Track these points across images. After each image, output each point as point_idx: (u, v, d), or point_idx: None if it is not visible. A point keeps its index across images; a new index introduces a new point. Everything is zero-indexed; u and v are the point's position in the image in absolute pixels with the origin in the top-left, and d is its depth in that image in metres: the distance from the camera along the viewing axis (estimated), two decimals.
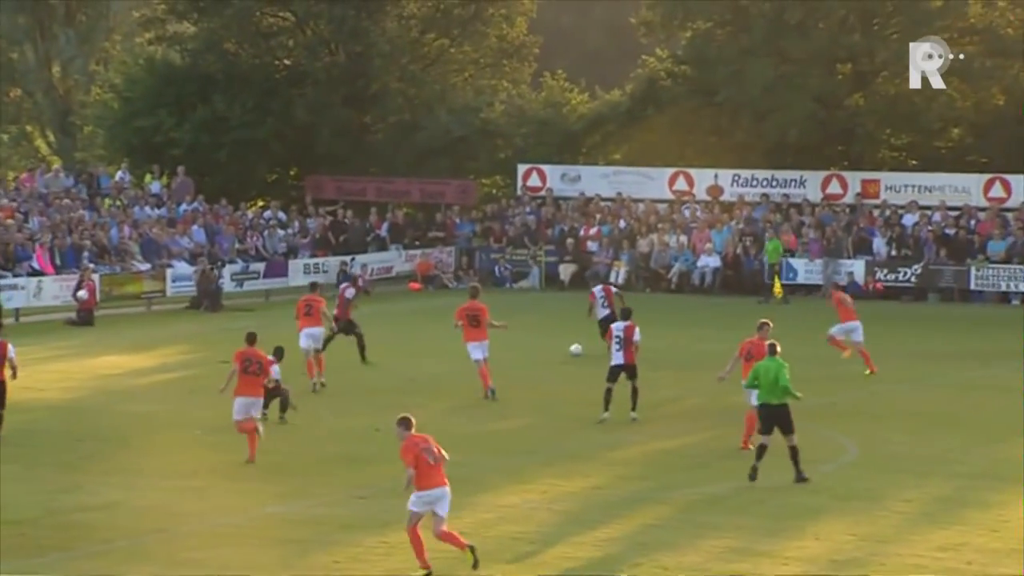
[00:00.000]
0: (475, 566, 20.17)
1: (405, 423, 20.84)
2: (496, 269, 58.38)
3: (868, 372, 35.69)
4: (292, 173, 66.66)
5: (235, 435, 29.25)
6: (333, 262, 56.41)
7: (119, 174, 59.41)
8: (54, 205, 53.87)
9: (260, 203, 63.54)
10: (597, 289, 39.17)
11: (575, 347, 38.80)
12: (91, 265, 49.28)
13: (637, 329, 31.17)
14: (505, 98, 65.90)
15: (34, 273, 48.39)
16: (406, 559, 21.09)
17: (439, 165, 62.78)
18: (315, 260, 56.79)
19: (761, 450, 25.90)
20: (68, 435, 29.31)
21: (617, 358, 30.98)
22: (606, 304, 38.12)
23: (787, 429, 25.75)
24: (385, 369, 37.34)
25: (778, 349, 26.15)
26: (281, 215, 59.31)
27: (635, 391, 31.10)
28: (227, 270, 53.32)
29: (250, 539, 22.08)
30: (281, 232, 57.69)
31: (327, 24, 65.45)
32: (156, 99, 62.99)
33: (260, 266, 55.16)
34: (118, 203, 56.37)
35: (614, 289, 39.40)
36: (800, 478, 25.63)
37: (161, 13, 67.13)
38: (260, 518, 23.33)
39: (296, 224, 58.48)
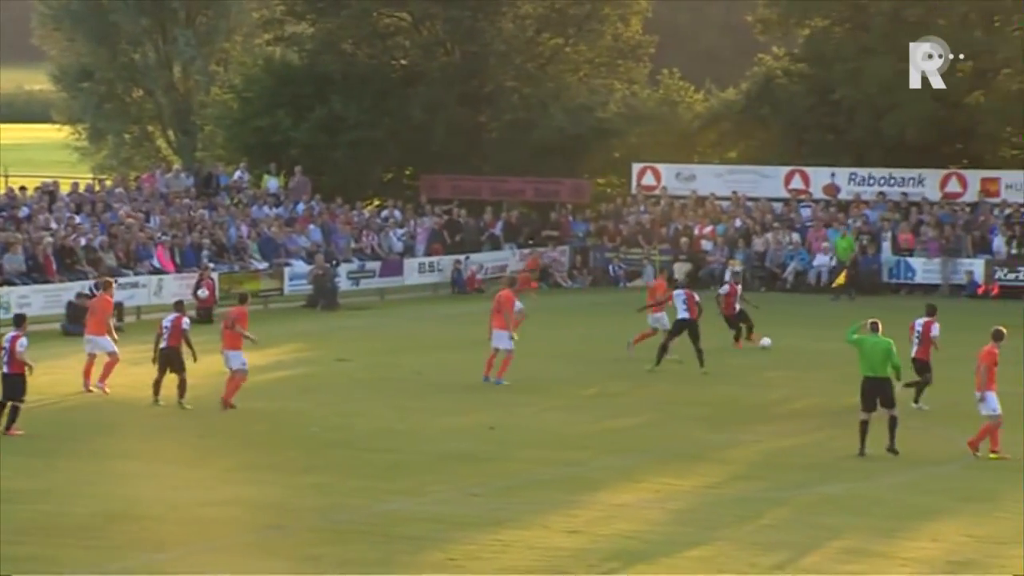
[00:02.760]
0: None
1: (104, 285, 30.03)
2: (610, 268, 58.43)
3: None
4: (407, 172, 67.05)
5: (353, 432, 29.62)
6: (447, 261, 56.71)
7: (237, 173, 60.00)
8: (174, 204, 54.53)
9: (376, 202, 63.96)
10: (678, 293, 37.44)
11: (765, 340, 39.48)
12: (210, 264, 49.84)
13: (937, 325, 31.83)
14: (620, 97, 65.86)
15: (155, 271, 49.07)
16: (522, 556, 21.25)
17: (554, 164, 62.82)
18: (430, 259, 57.10)
19: (864, 427, 27.44)
20: (189, 432, 29.70)
21: (911, 351, 31.72)
22: (686, 308, 36.73)
23: (889, 403, 27.40)
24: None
25: (880, 327, 27.68)
26: (397, 214, 59.64)
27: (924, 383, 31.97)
28: (343, 269, 53.72)
29: (368, 536, 22.29)
30: (398, 231, 58.03)
31: (443, 24, 65.76)
32: (274, 99, 63.59)
33: (376, 265, 55.52)
34: (236, 202, 56.98)
35: (696, 297, 37.50)
36: (891, 449, 27.39)
37: (280, 14, 67.73)
38: (378, 515, 23.53)
39: (412, 223, 58.78)
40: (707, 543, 22.19)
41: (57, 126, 78.71)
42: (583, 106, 64.92)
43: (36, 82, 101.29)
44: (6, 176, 60.77)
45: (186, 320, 32.41)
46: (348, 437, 29.27)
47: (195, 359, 32.01)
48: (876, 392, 27.45)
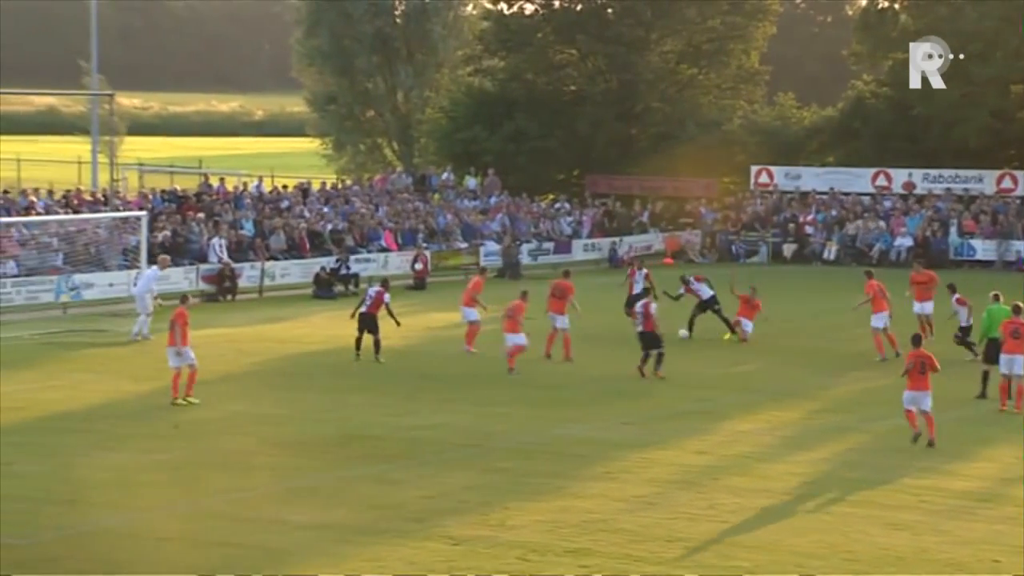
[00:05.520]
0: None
1: (184, 299, 27.09)
2: (732, 247, 57.88)
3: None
4: (575, 173, 66.79)
5: (533, 373, 29.50)
6: (605, 242, 56.57)
7: (444, 174, 60.33)
8: (397, 198, 55.00)
9: (550, 196, 63.92)
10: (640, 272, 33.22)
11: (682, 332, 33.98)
12: (424, 244, 50.18)
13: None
14: (742, 114, 65.16)
15: (382, 250, 49.51)
16: (663, 471, 21.09)
17: (689, 166, 62.31)
18: (592, 240, 56.95)
19: (985, 375, 26.28)
20: (407, 372, 29.82)
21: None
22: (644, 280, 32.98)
23: None
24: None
25: (1001, 297, 27.32)
26: (566, 205, 59.59)
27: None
28: (525, 247, 53.74)
29: (544, 454, 22.28)
30: (567, 218, 57.97)
31: (604, 58, 65.51)
32: (473, 117, 63.81)
33: (550, 245, 55.48)
34: (444, 196, 57.34)
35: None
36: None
37: (478, 52, 68.01)
38: (552, 438, 23.52)
39: (578, 212, 58.69)
40: (808, 461, 21.87)
41: (310, 139, 79.78)
42: (712, 121, 64.37)
43: (295, 105, 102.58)
44: (272, 176, 61.68)
45: (387, 295, 30.94)
46: (529, 377, 29.25)
47: (398, 324, 30.89)
48: (998, 349, 26.04)
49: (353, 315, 30.88)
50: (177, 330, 25.70)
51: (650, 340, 28.99)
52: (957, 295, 31.24)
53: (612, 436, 23.61)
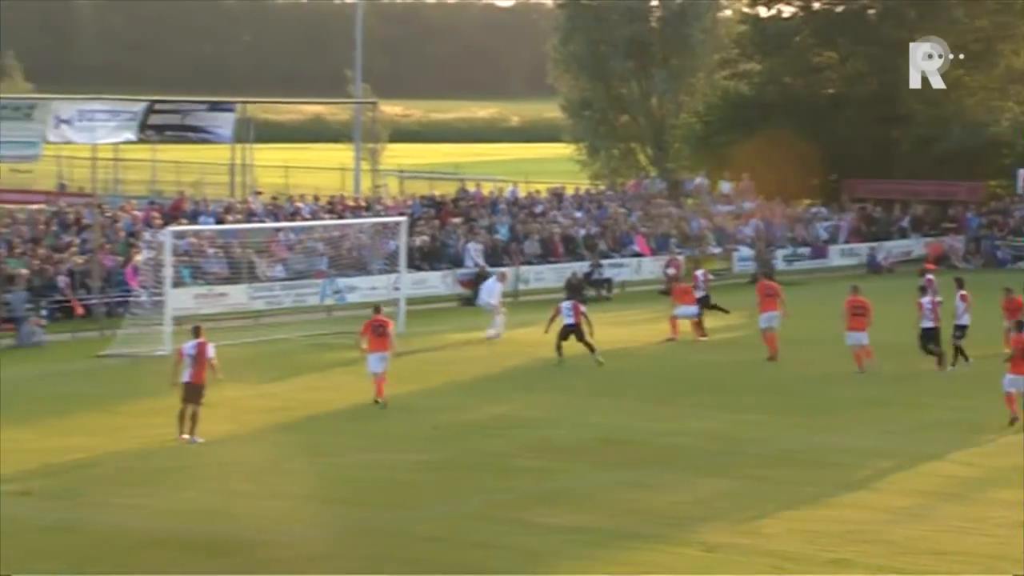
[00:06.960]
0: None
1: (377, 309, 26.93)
2: (998, 253, 55.89)
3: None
4: (831, 177, 65.48)
5: (778, 379, 29.00)
6: (863, 248, 55.30)
7: (698, 179, 60.02)
8: (651, 203, 54.93)
9: (806, 201, 62.81)
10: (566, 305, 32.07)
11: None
12: (677, 249, 49.93)
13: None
14: (1010, 116, 62.82)
15: (635, 255, 49.46)
16: (924, 482, 20.44)
17: (952, 170, 60.42)
18: (850, 246, 55.71)
19: None
20: (659, 377, 29.77)
21: None
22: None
23: None
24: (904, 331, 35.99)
25: None
26: (823, 210, 58.52)
27: None
28: (780, 253, 52.96)
29: (801, 462, 21.87)
30: (824, 223, 56.90)
31: (864, 60, 64.12)
32: (729, 122, 63.29)
33: (806, 250, 54.54)
34: (698, 201, 57.00)
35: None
36: None
37: (735, 56, 67.58)
38: (808, 445, 23.09)
39: (837, 217, 57.53)
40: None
41: (564, 144, 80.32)
42: (979, 123, 62.23)
43: (550, 111, 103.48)
44: (527, 181, 62.34)
45: (583, 307, 31.80)
46: (781, 384, 28.76)
47: (591, 334, 30.92)
48: None
49: (547, 330, 31.39)
50: (388, 337, 26.18)
51: (936, 337, 29.84)
52: (962, 291, 30.39)
53: (871, 445, 23.03)
